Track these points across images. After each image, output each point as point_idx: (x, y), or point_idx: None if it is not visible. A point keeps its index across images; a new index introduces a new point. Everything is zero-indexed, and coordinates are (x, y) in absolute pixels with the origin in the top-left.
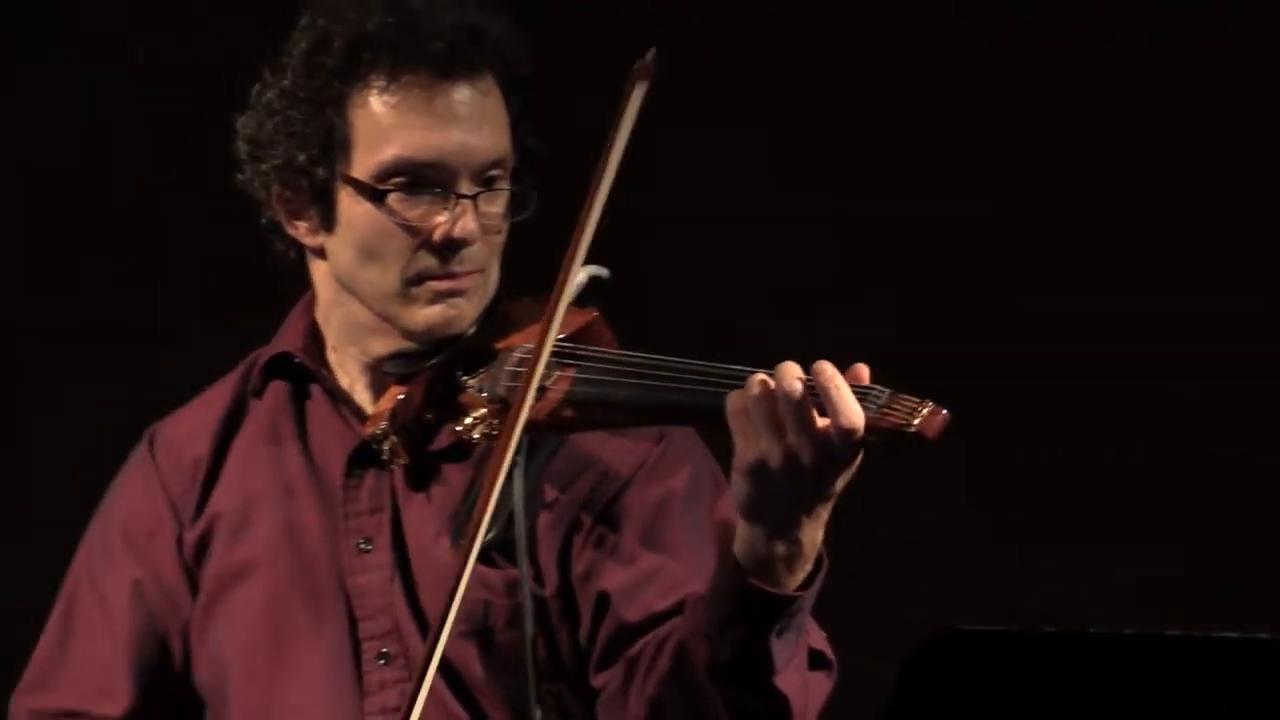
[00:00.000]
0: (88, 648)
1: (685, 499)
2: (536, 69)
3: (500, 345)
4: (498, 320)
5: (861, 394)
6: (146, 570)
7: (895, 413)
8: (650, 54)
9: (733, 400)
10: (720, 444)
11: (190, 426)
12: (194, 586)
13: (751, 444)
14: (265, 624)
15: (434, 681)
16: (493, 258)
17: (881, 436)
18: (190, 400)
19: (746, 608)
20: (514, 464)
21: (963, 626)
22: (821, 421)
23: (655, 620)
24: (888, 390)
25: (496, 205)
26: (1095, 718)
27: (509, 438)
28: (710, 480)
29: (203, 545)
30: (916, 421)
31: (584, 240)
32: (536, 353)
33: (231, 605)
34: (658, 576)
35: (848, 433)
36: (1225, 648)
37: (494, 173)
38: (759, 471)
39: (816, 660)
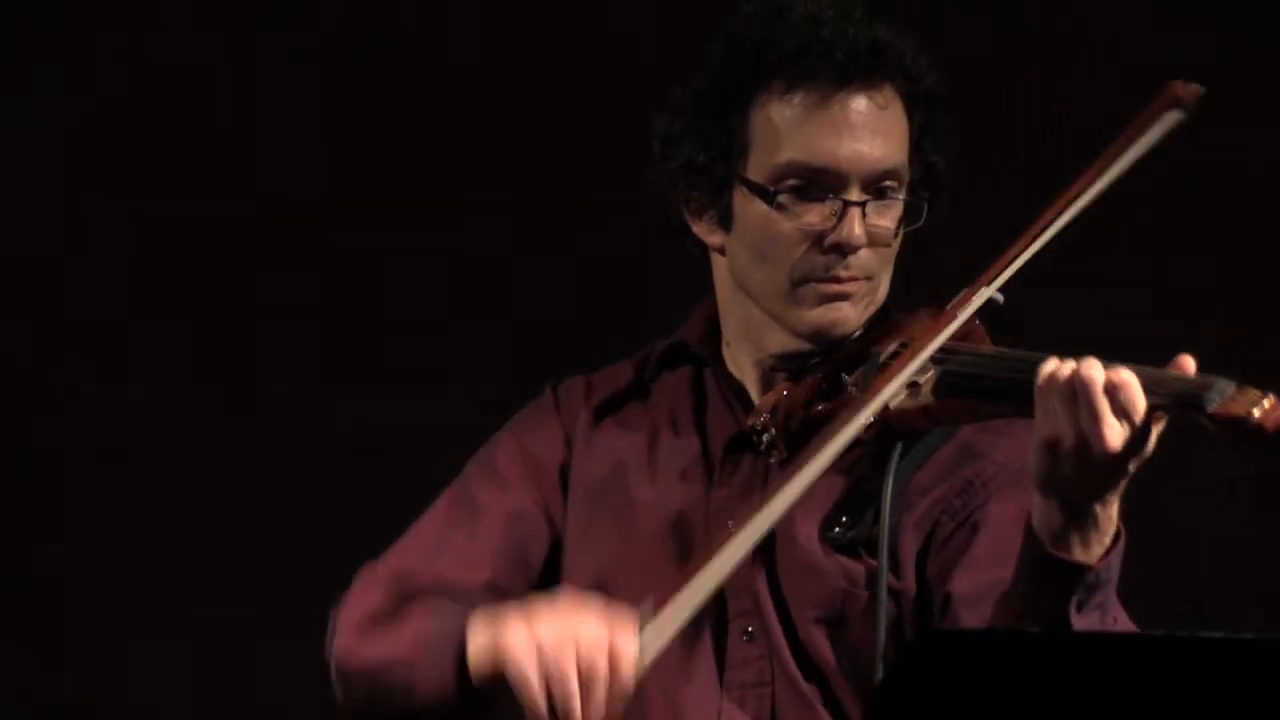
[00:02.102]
0: (454, 540)
1: None
2: (944, 88)
3: (878, 348)
4: (888, 326)
5: (1202, 386)
6: (529, 492)
7: (1238, 404)
8: (1196, 88)
9: (1040, 376)
10: None
11: (594, 385)
12: (565, 516)
13: (1048, 421)
14: (631, 577)
15: (787, 660)
16: (883, 267)
17: (1220, 427)
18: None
19: (1044, 579)
20: (888, 459)
21: (944, 628)
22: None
23: None
24: (1233, 383)
25: (887, 216)
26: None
27: (863, 406)
28: None
29: (586, 478)
30: (1257, 414)
31: (1019, 259)
32: (917, 346)
33: (608, 542)
34: (999, 588)
35: (1131, 423)
36: (1210, 649)
37: (887, 183)
38: (1051, 447)
39: None
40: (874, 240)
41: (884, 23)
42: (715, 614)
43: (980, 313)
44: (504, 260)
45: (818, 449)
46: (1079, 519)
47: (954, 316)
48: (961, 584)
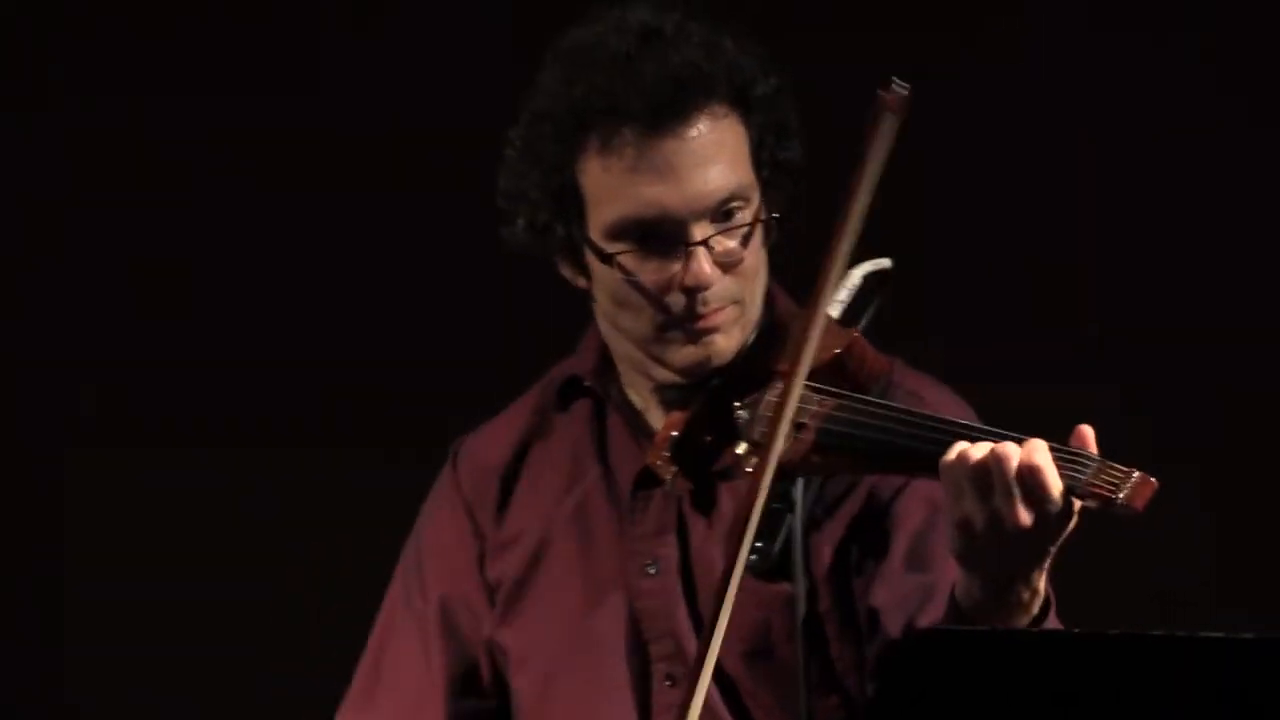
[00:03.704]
0: (403, 670)
1: None
2: (779, 85)
3: (771, 367)
4: (771, 338)
5: (1071, 460)
6: (452, 587)
7: (1103, 484)
8: (901, 86)
9: (946, 458)
10: None
11: (492, 440)
12: (493, 598)
13: (957, 501)
14: (563, 637)
15: (709, 696)
16: (747, 285)
17: (1088, 502)
18: (492, 418)
19: None
20: (785, 490)
21: (946, 627)
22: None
23: None
24: (1097, 460)
25: (737, 238)
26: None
27: (761, 475)
28: None
29: (501, 551)
30: (1122, 495)
31: (832, 273)
32: (786, 392)
33: (532, 618)
34: (925, 593)
35: (1046, 502)
36: (1207, 649)
37: (732, 206)
38: (965, 527)
39: None
40: (728, 269)
41: (702, 28)
42: (636, 662)
43: (878, 287)
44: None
45: (739, 522)
46: (1002, 596)
47: (800, 352)
48: (881, 596)
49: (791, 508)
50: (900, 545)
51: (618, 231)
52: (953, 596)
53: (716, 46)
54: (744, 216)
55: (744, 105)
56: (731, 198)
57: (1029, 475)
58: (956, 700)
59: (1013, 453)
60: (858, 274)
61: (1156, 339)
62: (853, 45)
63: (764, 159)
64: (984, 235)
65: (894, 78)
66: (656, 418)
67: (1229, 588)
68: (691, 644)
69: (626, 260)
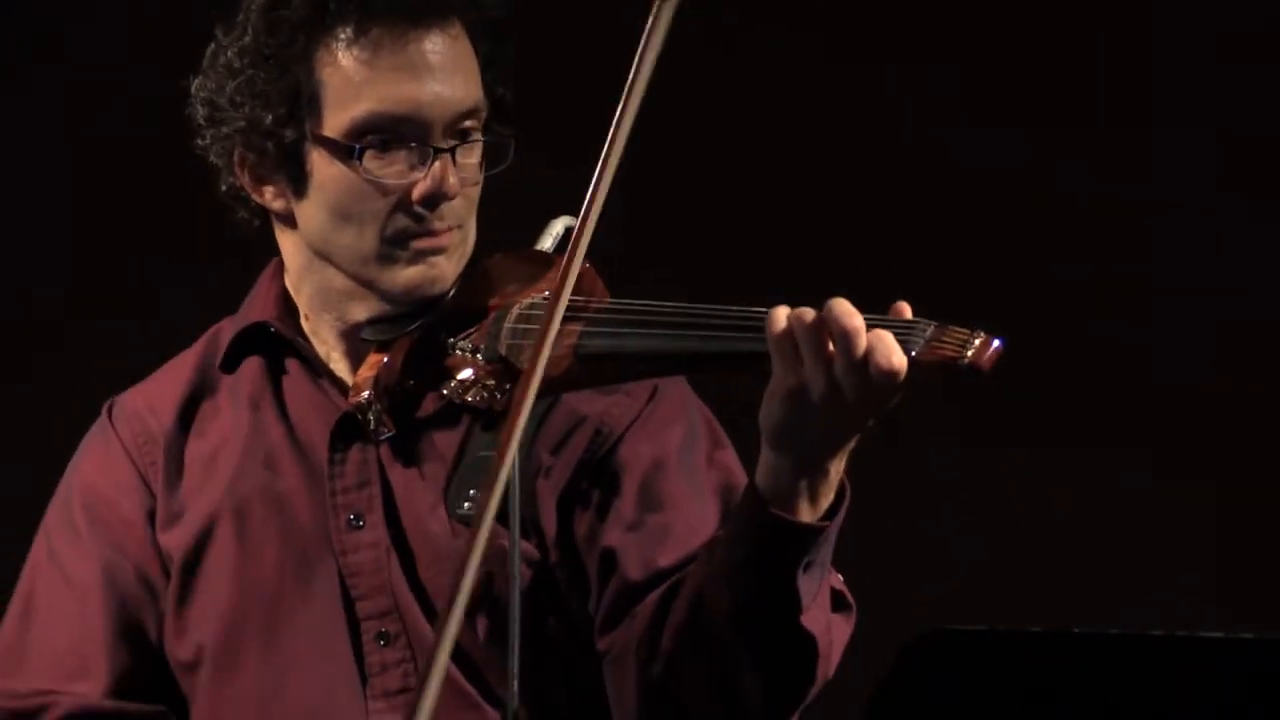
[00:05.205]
0: (55, 630)
1: (682, 452)
2: (507, 12)
3: (490, 303)
4: (479, 278)
5: (906, 328)
6: (115, 547)
7: (945, 345)
8: None
9: (777, 324)
10: (708, 392)
11: (152, 399)
12: (167, 562)
13: (792, 371)
14: (252, 606)
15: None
16: (471, 213)
17: (931, 372)
18: (148, 375)
19: (770, 542)
20: (496, 437)
21: (948, 626)
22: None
23: (661, 577)
24: (934, 323)
25: (472, 157)
26: (1080, 718)
27: (523, 398)
28: (706, 430)
29: (175, 520)
30: (969, 354)
31: (602, 190)
32: (551, 308)
33: (211, 585)
34: (660, 533)
35: (890, 373)
36: (1210, 648)
37: (468, 123)
38: (796, 398)
39: (838, 601)
40: (463, 185)
41: None
42: (346, 621)
43: (563, 244)
44: None
45: (501, 436)
46: (812, 477)
47: (573, 256)
48: (615, 536)
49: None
50: (630, 486)
51: (361, 129)
52: (752, 484)
53: None
54: (479, 137)
55: (480, 29)
56: (471, 112)
57: (875, 338)
58: (957, 700)
59: (853, 311)
60: (560, 225)
61: (1157, 339)
62: None
63: (489, 90)
64: (983, 234)
65: None
66: (342, 367)
67: (1229, 588)
68: (407, 599)
69: (369, 159)
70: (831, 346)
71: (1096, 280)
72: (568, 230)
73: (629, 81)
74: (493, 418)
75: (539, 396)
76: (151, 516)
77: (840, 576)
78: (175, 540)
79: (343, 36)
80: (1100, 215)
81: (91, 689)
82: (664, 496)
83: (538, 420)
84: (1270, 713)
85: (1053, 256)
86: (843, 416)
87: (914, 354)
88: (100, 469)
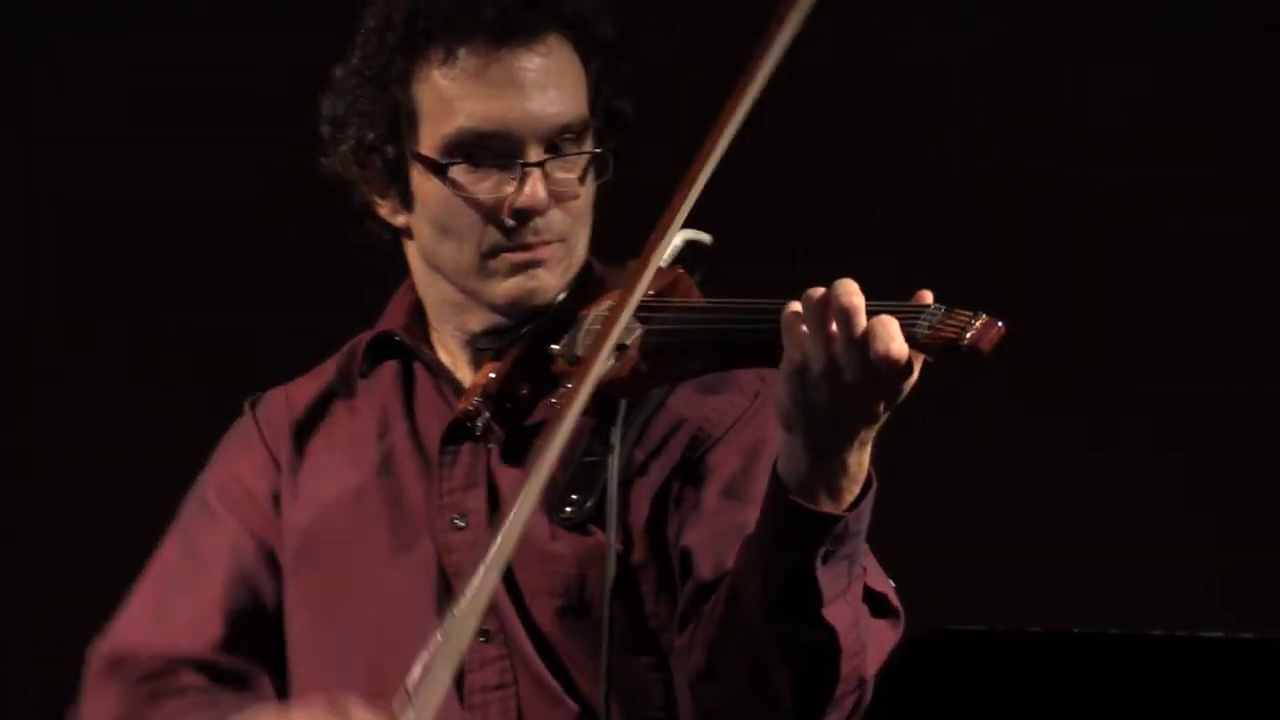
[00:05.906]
0: (179, 600)
1: (773, 452)
2: (617, 30)
3: (585, 311)
4: (588, 287)
5: (914, 313)
6: (243, 522)
7: (948, 328)
8: None
9: (789, 306)
10: None
11: (292, 395)
12: (287, 541)
13: (796, 346)
14: (356, 596)
15: (530, 657)
16: (575, 225)
17: (935, 354)
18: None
19: (790, 530)
20: (603, 428)
21: (948, 626)
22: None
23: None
24: (943, 308)
25: (572, 171)
26: (1080, 718)
27: (578, 391)
28: None
29: (301, 506)
30: (969, 335)
31: (686, 200)
32: (618, 309)
33: (328, 574)
34: (735, 532)
35: (887, 354)
36: (1210, 648)
37: (566, 138)
38: (800, 376)
39: (880, 607)
40: (560, 199)
41: None
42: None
43: (692, 260)
44: None
45: (545, 437)
46: (828, 464)
47: (645, 266)
48: (693, 537)
49: (610, 455)
50: (714, 488)
51: (453, 145)
52: (775, 474)
53: None
54: (576, 150)
55: (585, 44)
56: (569, 127)
57: (878, 322)
58: (957, 700)
59: (855, 290)
60: (679, 238)
61: (1155, 339)
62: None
63: (599, 104)
64: (983, 235)
65: None
66: (465, 374)
67: (1229, 588)
68: (504, 598)
69: (460, 174)
70: (834, 325)
71: (1098, 280)
72: (686, 243)
73: (733, 96)
74: (597, 424)
75: (614, 395)
76: (277, 498)
77: (892, 584)
78: (293, 520)
79: (434, 57)
80: (1099, 212)
81: (203, 645)
82: (745, 497)
83: (641, 424)
84: (1270, 713)
85: (1052, 257)
86: (847, 399)
87: (917, 336)
88: (237, 455)
